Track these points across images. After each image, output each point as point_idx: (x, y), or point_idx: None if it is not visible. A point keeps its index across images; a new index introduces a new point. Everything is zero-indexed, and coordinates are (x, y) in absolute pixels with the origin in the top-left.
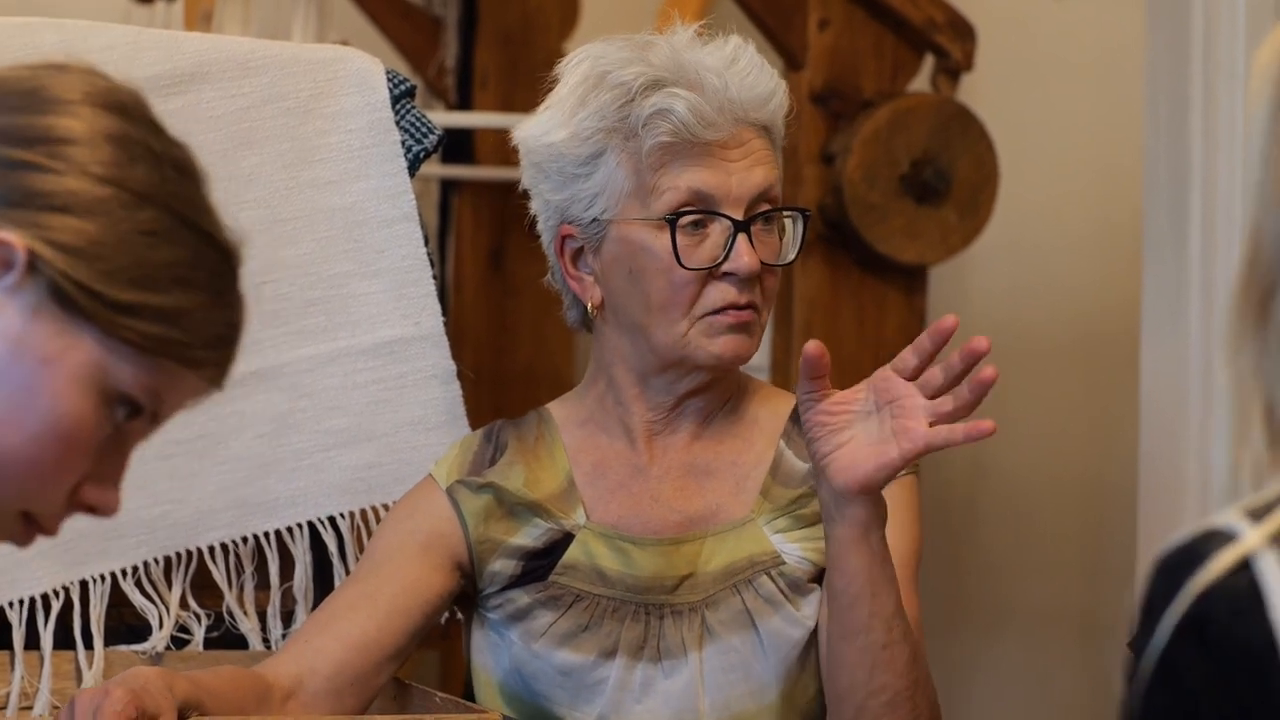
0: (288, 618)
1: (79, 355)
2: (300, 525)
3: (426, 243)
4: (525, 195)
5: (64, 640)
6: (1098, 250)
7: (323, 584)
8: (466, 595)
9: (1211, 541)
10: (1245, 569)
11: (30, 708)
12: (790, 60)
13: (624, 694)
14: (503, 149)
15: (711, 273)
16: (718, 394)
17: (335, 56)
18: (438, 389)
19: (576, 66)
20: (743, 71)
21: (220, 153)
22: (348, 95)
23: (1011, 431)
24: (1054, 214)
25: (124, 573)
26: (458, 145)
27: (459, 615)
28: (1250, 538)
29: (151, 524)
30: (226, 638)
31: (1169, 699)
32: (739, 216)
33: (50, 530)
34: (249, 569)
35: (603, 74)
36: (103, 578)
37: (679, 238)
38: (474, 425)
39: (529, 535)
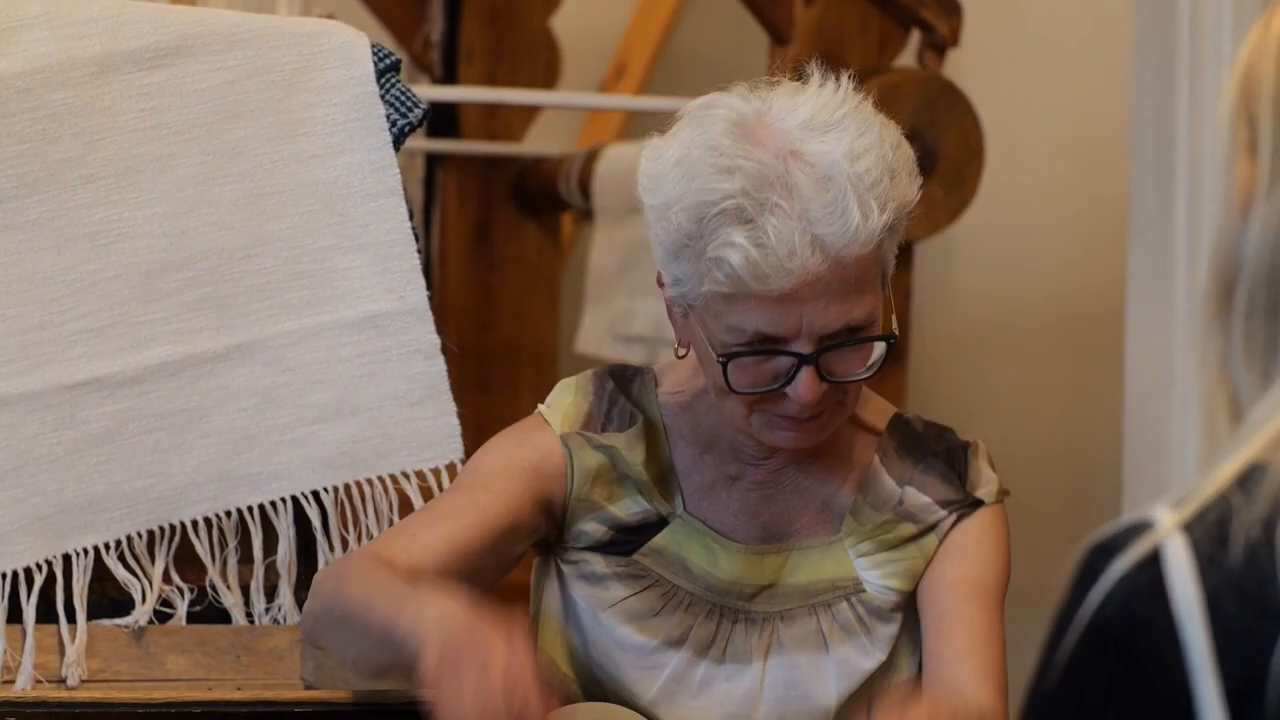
0: (271, 592)
1: None
2: (284, 499)
3: (411, 217)
4: None
5: (46, 614)
6: (1083, 227)
7: (306, 559)
8: (546, 540)
9: (1131, 533)
10: (1153, 562)
11: (12, 682)
12: (776, 35)
13: (680, 686)
14: (488, 124)
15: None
16: None
17: (320, 30)
18: (422, 363)
19: (679, 133)
20: (832, 202)
21: (205, 126)
22: (333, 69)
23: (995, 408)
24: (1040, 191)
25: (107, 547)
26: (443, 120)
27: None
28: (1162, 526)
29: (134, 498)
30: (209, 612)
31: (1071, 710)
32: (808, 350)
33: None
34: (232, 543)
35: (692, 178)
36: (85, 552)
37: (738, 363)
38: (458, 400)
39: (627, 509)
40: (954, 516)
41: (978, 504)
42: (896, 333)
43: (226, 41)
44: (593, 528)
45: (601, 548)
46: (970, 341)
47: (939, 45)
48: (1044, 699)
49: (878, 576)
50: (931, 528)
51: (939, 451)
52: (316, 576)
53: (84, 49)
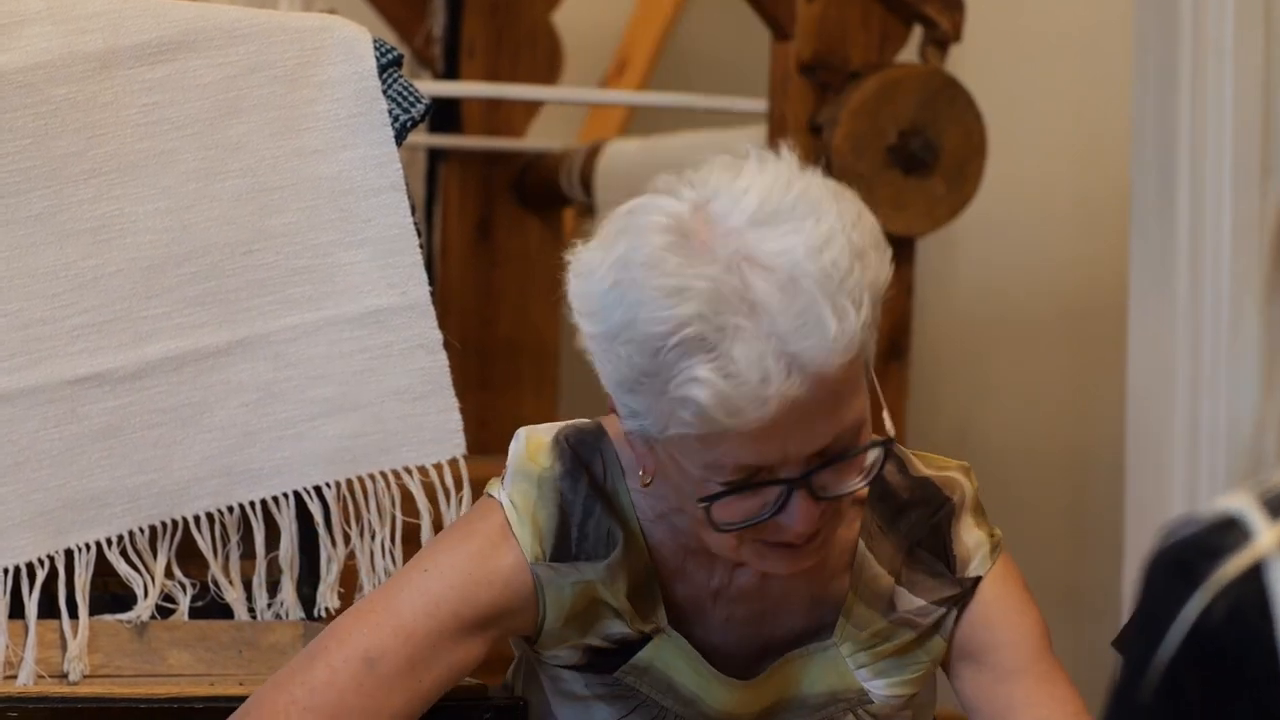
0: (273, 587)
1: None
2: (286, 495)
3: (413, 212)
4: None
5: (48, 610)
6: (1085, 222)
7: (308, 553)
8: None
9: (1223, 536)
10: (1256, 576)
11: (14, 677)
12: (778, 31)
13: None
14: (490, 119)
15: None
16: None
17: (322, 25)
18: (424, 358)
19: (611, 246)
20: (802, 312)
21: (207, 121)
22: (335, 64)
23: (997, 404)
24: (1041, 186)
25: (109, 542)
26: (445, 115)
27: None
28: (1264, 540)
29: (136, 493)
30: (212, 607)
31: (1171, 718)
32: (796, 474)
33: None
34: (234, 538)
35: (637, 305)
36: (87, 547)
37: (721, 503)
38: (460, 396)
39: (603, 633)
40: (955, 611)
41: (976, 582)
42: (892, 432)
43: (228, 36)
44: (568, 654)
45: (579, 668)
46: (972, 338)
47: (941, 41)
48: (1138, 706)
49: (882, 685)
50: (935, 628)
51: (923, 529)
52: None
53: (86, 44)
